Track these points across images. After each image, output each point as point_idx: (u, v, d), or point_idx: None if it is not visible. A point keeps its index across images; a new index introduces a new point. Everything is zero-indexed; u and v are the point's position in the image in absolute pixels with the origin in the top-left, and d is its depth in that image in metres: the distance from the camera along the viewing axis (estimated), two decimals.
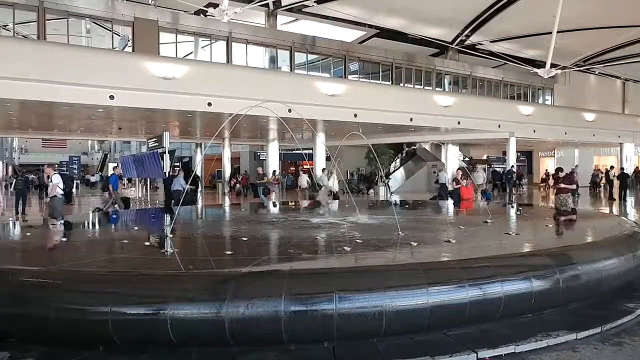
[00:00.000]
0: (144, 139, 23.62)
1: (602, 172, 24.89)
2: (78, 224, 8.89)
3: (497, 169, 25.80)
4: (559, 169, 11.13)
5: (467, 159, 27.70)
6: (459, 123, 19.69)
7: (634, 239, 5.70)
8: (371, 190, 25.32)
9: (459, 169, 16.39)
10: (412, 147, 28.07)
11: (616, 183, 20.31)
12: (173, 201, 12.71)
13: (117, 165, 18.56)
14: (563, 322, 4.19)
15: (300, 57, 20.40)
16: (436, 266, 4.26)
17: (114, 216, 10.54)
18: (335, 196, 14.58)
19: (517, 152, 24.40)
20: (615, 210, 15.85)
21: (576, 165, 20.96)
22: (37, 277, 3.93)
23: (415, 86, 23.26)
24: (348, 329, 3.55)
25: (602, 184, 23.92)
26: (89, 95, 12.35)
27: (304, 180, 17.32)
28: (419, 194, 21.62)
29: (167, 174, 15.29)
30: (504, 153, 25.53)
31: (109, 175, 14.17)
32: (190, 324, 3.43)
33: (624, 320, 4.34)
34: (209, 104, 13.95)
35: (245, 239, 6.10)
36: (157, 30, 16.85)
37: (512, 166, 21.75)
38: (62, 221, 8.24)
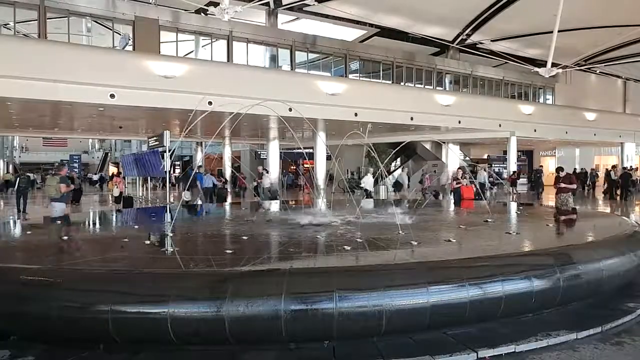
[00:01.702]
0: (144, 137, 23.62)
1: (597, 171, 24.69)
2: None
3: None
4: (559, 169, 11.11)
5: (467, 158, 27.64)
6: (459, 122, 19.67)
7: (634, 238, 5.69)
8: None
9: (459, 168, 16.38)
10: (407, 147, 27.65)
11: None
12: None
13: (202, 165, 19.67)
14: (563, 321, 4.19)
15: (301, 56, 20.38)
16: (436, 265, 4.26)
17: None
18: (369, 195, 14.32)
19: (518, 151, 24.38)
20: (615, 210, 15.82)
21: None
22: (42, 275, 3.94)
23: (416, 85, 23.24)
24: (348, 328, 3.55)
25: (593, 184, 23.72)
26: (90, 94, 12.34)
27: (267, 180, 16.26)
28: (419, 193, 21.61)
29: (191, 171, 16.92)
30: (505, 152, 25.50)
31: (195, 173, 16.02)
32: (190, 322, 3.43)
33: (625, 319, 4.35)
34: (210, 103, 13.93)
35: (246, 237, 6.10)
36: (158, 29, 16.84)
37: (541, 166, 21.49)
38: None
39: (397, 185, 14.91)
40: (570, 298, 4.44)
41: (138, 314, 3.51)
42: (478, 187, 17.33)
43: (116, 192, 16.39)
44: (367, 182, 14.95)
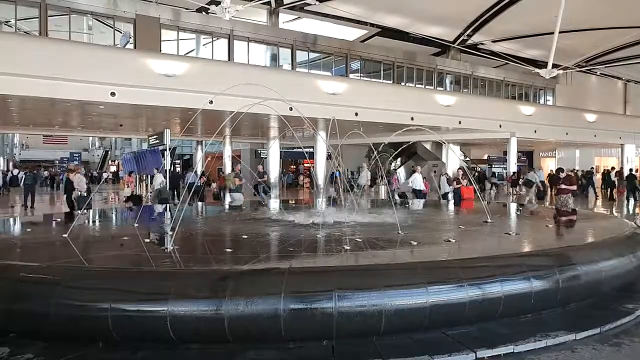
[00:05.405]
0: (144, 135, 23.61)
1: (584, 173, 24.45)
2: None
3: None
4: (559, 170, 11.15)
5: (467, 158, 27.60)
6: (460, 123, 19.67)
7: (634, 239, 5.69)
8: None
9: (459, 168, 16.38)
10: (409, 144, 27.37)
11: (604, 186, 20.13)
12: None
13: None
14: (562, 322, 4.20)
15: (301, 56, 20.38)
16: (436, 265, 4.26)
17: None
18: (445, 197, 13.18)
19: (518, 152, 24.38)
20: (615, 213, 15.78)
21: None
22: (41, 273, 3.94)
23: (417, 85, 23.24)
24: (347, 328, 3.56)
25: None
26: (90, 91, 12.33)
27: (158, 180, 15.09)
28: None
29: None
30: (505, 153, 25.51)
31: (333, 172, 16.81)
32: (189, 321, 3.43)
33: (623, 321, 4.34)
34: (210, 102, 13.94)
35: (245, 236, 6.10)
36: (159, 28, 16.84)
37: (592, 168, 21.08)
38: None
39: (528, 184, 13.34)
40: (569, 299, 4.45)
41: (138, 312, 3.52)
42: (537, 188, 16.02)
43: (127, 192, 16.33)
44: (443, 184, 13.60)
